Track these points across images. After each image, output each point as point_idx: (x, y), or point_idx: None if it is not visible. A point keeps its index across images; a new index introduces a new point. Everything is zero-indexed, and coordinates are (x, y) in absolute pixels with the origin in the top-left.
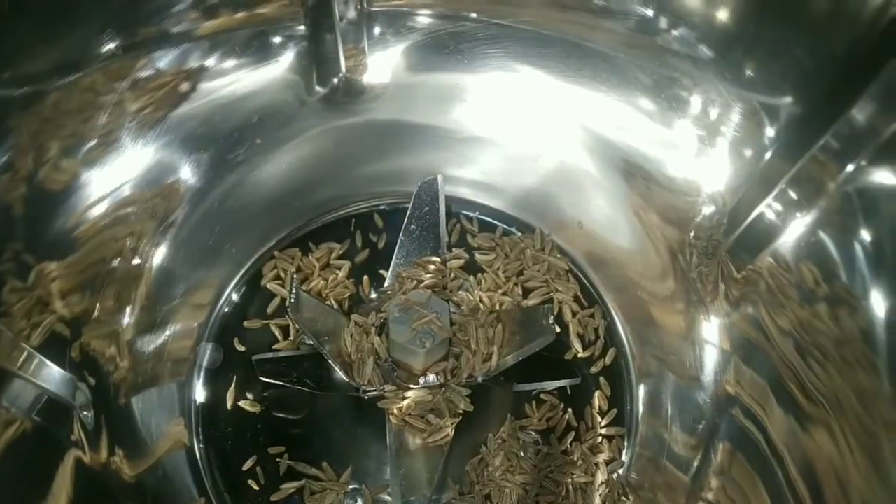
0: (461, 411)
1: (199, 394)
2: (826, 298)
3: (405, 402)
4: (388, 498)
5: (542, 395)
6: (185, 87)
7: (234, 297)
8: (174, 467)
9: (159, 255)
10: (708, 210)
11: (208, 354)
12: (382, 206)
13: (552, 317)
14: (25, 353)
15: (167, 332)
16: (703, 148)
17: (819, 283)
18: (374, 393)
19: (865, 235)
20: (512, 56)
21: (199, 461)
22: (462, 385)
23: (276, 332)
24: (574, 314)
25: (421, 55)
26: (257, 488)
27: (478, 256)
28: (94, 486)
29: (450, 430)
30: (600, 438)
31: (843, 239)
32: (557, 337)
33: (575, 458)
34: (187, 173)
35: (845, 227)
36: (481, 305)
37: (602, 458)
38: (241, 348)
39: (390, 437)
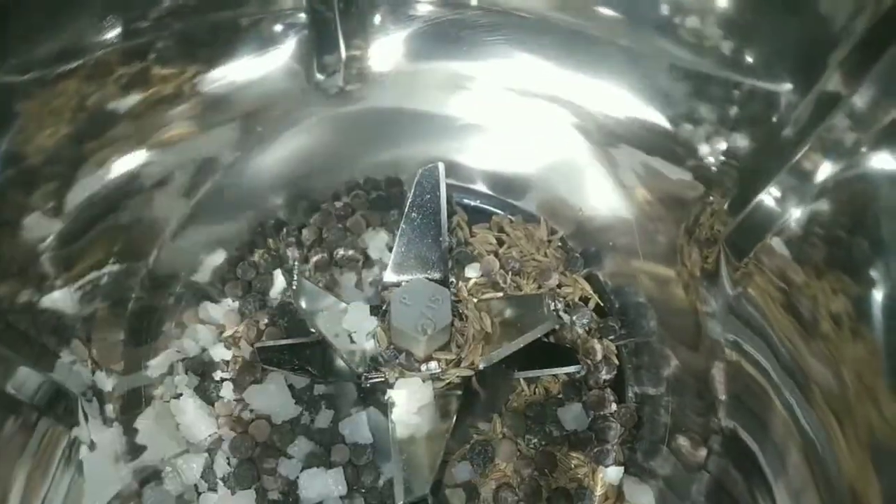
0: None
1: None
2: (825, 284)
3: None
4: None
5: (544, 382)
6: (186, 75)
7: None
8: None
9: (158, 246)
10: (708, 197)
11: None
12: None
13: (553, 304)
14: (30, 341)
15: (169, 324)
16: (702, 135)
17: (818, 268)
18: (376, 380)
19: (865, 221)
20: (513, 43)
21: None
22: (464, 372)
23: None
24: (575, 301)
25: (421, 43)
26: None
27: (479, 244)
28: (97, 470)
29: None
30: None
31: (843, 225)
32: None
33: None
34: (187, 163)
35: (845, 214)
36: (483, 293)
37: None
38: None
39: (392, 424)
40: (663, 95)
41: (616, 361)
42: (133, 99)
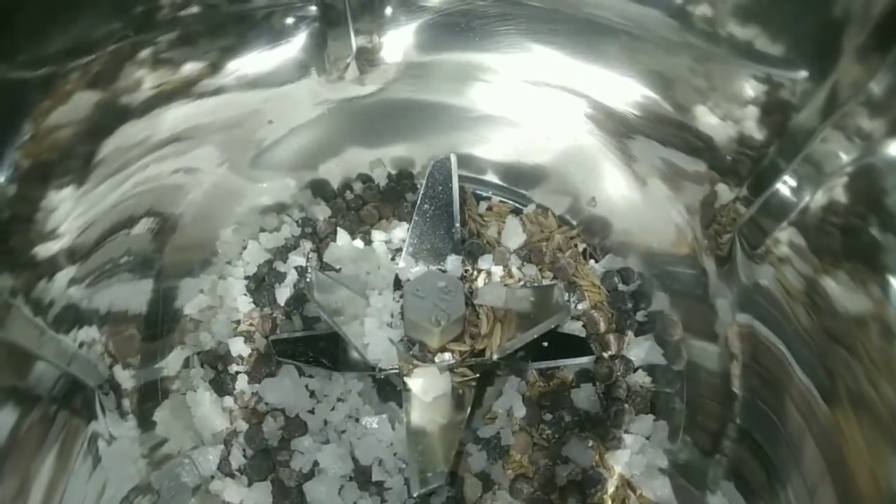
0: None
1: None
2: (841, 272)
3: (421, 381)
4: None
5: (558, 373)
6: (197, 68)
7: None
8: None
9: (172, 240)
10: (723, 186)
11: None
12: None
13: (567, 294)
14: (46, 335)
15: (184, 318)
16: (717, 124)
17: (835, 257)
18: (390, 372)
19: (882, 209)
20: (524, 33)
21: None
22: (478, 362)
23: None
24: (588, 289)
25: (433, 34)
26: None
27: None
28: (116, 462)
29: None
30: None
31: (860, 214)
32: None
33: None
34: (199, 156)
35: (862, 202)
36: (496, 283)
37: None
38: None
39: (407, 415)
40: (677, 85)
41: (632, 357)
42: (145, 93)
